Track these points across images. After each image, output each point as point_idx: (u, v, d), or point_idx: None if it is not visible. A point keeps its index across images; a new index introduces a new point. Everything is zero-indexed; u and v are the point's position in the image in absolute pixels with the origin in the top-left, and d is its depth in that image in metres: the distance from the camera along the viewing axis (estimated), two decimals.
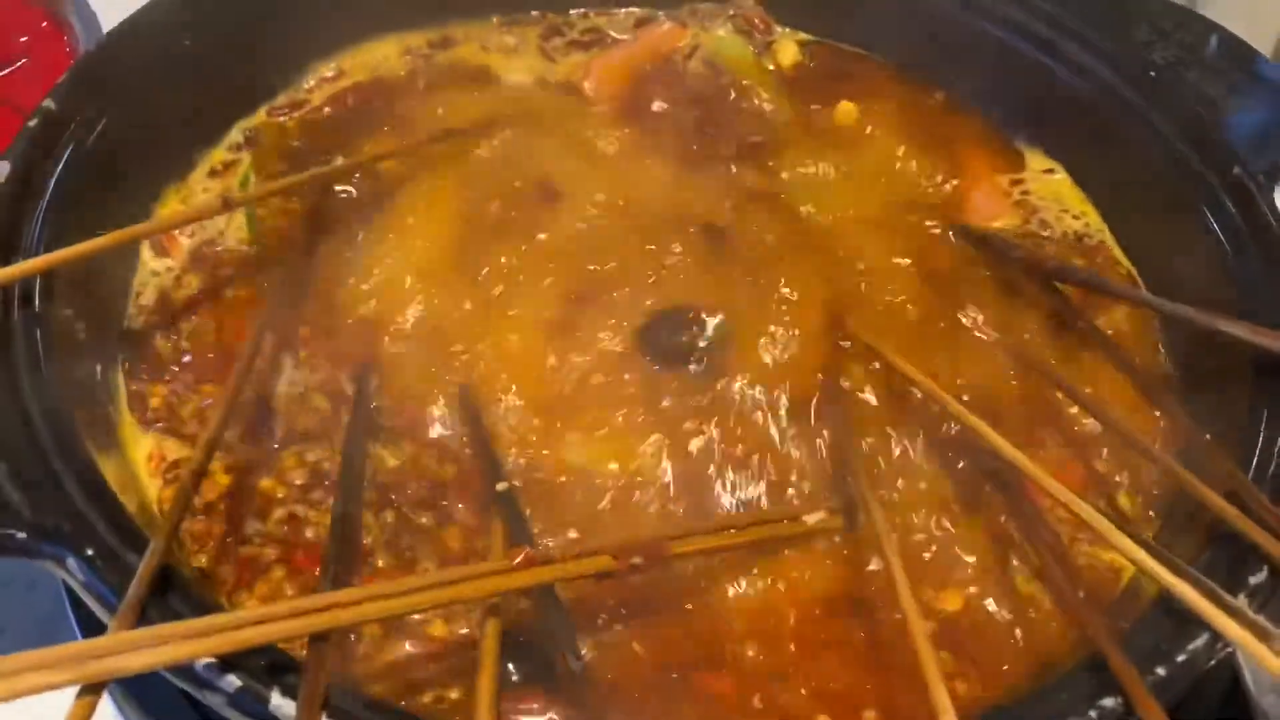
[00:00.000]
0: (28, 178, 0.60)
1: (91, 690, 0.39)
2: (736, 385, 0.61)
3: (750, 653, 0.54)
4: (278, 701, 0.42)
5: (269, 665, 0.43)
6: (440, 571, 0.53)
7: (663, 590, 0.55)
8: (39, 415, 0.51)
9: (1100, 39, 0.77)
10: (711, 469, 0.59)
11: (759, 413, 0.61)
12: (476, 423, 0.60)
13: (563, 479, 0.59)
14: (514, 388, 0.61)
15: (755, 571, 0.56)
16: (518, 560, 0.47)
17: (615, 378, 0.62)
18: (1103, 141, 0.75)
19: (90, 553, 0.45)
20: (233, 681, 0.42)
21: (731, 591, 0.55)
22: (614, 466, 0.59)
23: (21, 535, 0.46)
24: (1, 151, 0.62)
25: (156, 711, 0.55)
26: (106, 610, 0.45)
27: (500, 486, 0.56)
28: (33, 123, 0.63)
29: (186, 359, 0.64)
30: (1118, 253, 0.74)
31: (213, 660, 0.42)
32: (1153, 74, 0.74)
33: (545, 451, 0.59)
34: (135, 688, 0.56)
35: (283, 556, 0.55)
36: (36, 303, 0.57)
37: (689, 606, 0.55)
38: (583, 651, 0.51)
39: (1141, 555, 0.48)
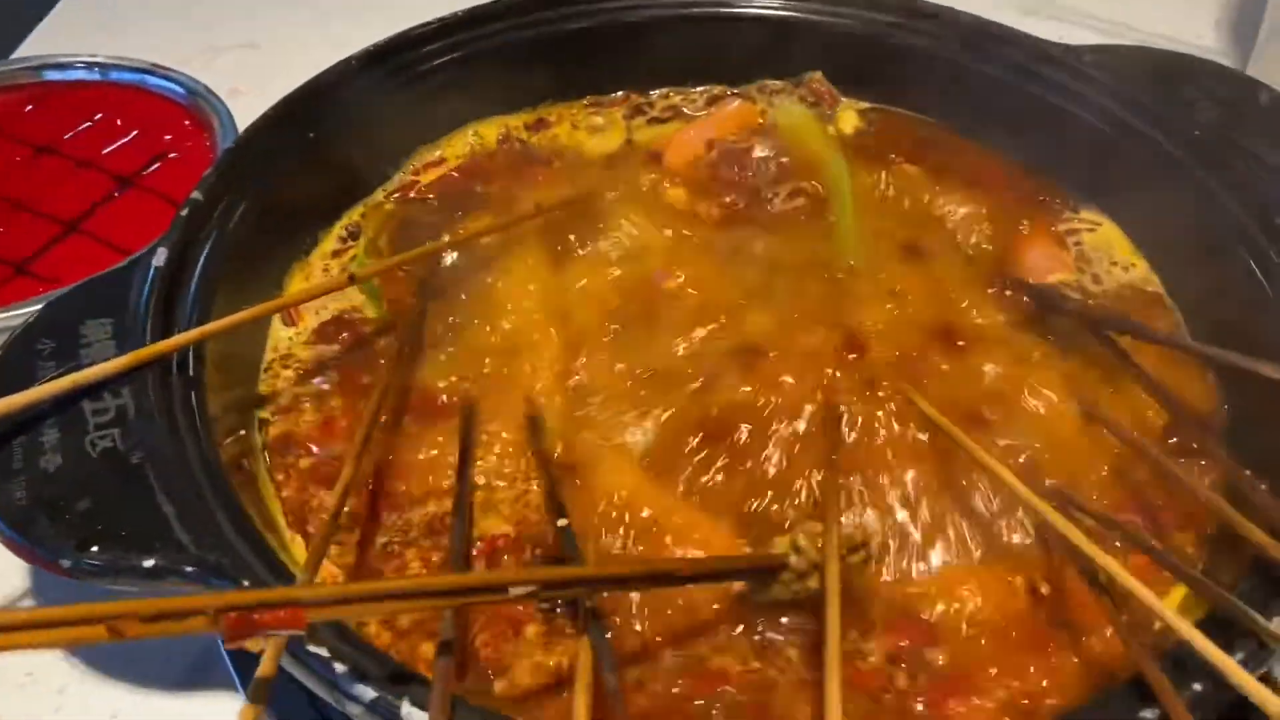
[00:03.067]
0: (182, 261, 0.70)
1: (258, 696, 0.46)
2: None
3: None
4: (408, 710, 0.48)
5: (396, 677, 0.50)
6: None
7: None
8: (197, 465, 0.60)
9: (1147, 99, 0.82)
10: None
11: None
12: (543, 456, 0.67)
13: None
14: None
15: None
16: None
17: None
18: (1151, 197, 0.80)
19: (246, 584, 0.53)
20: (367, 691, 0.49)
21: None
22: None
23: (190, 569, 0.54)
24: (157, 238, 0.71)
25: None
26: None
27: (561, 522, 0.61)
28: (184, 212, 0.72)
29: (314, 416, 0.71)
30: (1168, 301, 0.79)
31: (347, 671, 0.49)
32: (1196, 132, 0.79)
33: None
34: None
35: None
36: (190, 368, 0.65)
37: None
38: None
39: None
